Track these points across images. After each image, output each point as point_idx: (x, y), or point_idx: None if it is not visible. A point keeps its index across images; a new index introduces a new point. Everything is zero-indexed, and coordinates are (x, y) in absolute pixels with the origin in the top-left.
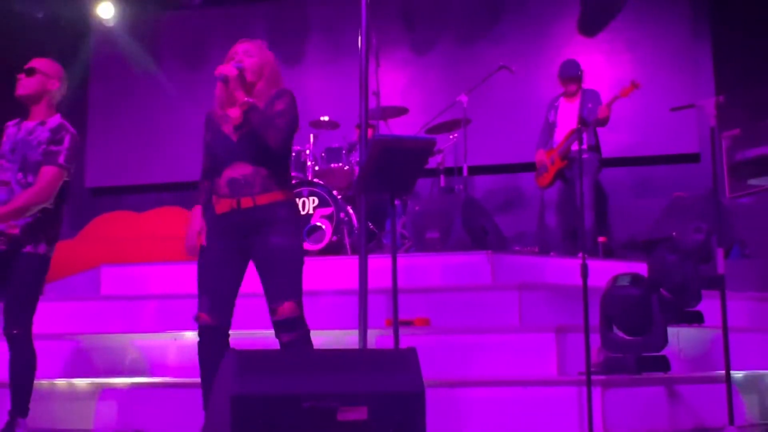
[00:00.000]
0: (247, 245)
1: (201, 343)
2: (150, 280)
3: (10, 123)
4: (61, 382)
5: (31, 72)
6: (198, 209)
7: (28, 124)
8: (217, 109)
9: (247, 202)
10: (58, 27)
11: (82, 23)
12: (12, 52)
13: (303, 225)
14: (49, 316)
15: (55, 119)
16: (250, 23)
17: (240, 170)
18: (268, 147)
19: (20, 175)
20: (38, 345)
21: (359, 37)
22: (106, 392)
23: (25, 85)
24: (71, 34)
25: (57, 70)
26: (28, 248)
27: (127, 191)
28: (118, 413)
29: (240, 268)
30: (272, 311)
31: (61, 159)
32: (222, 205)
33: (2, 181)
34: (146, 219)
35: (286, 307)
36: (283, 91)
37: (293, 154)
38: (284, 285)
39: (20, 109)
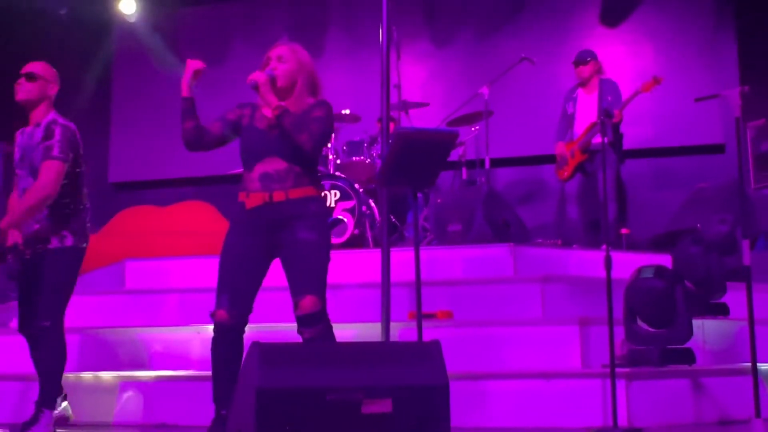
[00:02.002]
0: (275, 241)
1: (215, 340)
2: (173, 274)
3: (18, 132)
4: (85, 375)
5: (31, 77)
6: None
7: (28, 130)
8: (258, 103)
9: (279, 196)
10: (81, 23)
11: (105, 19)
12: (35, 49)
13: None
14: (73, 310)
15: (49, 117)
16: (270, 17)
17: (273, 165)
18: (300, 147)
19: (31, 180)
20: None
21: (380, 31)
22: (129, 385)
23: (26, 90)
24: (94, 31)
25: (54, 73)
26: (54, 243)
27: (150, 186)
28: (141, 406)
29: (264, 266)
30: (295, 305)
31: (55, 151)
32: (253, 200)
33: (23, 190)
34: (169, 213)
35: (308, 301)
36: (323, 102)
37: None
38: (307, 279)
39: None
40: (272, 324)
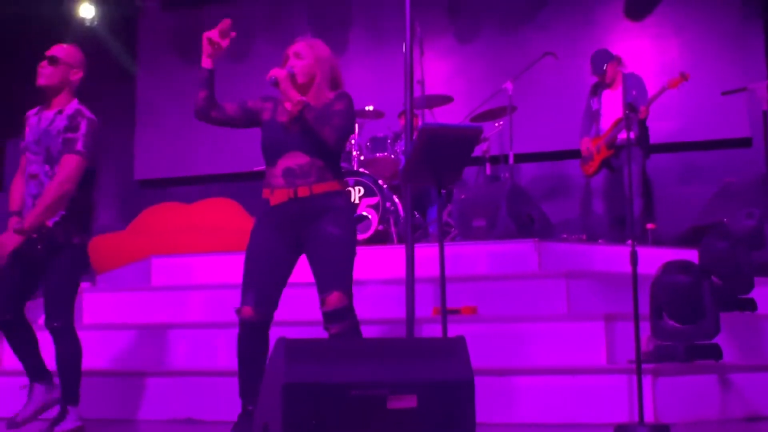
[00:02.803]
0: (301, 236)
1: (241, 337)
2: (199, 271)
3: (30, 113)
4: (112, 371)
5: (54, 61)
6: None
7: (48, 114)
8: (280, 98)
9: (303, 192)
10: (105, 22)
11: (129, 17)
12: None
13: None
14: (101, 307)
15: (72, 105)
16: (292, 14)
17: (295, 160)
18: (323, 141)
19: (47, 167)
20: (90, 335)
21: (403, 26)
22: (156, 381)
23: (47, 75)
24: (118, 29)
25: (80, 58)
26: (61, 241)
27: (175, 183)
28: (168, 402)
29: (290, 263)
30: (321, 301)
31: (79, 145)
32: (278, 196)
33: (31, 174)
34: (194, 210)
35: (334, 297)
36: (343, 94)
37: None
38: (333, 275)
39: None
40: (299, 320)
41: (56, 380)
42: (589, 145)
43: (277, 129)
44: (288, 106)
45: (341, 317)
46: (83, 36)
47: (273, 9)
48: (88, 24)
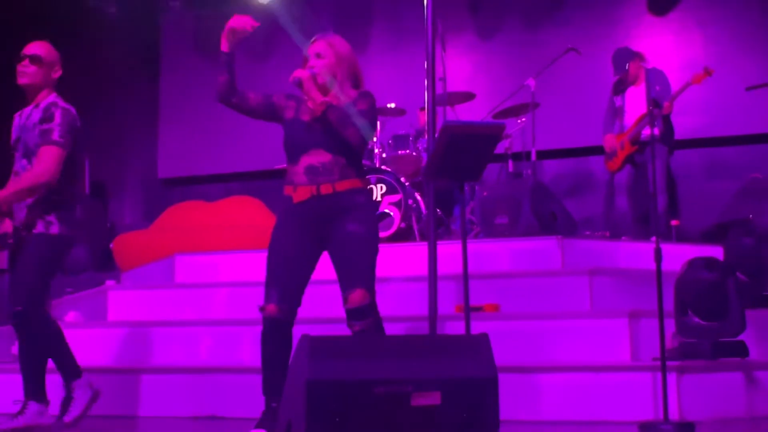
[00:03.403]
0: (324, 234)
1: (265, 334)
2: (222, 268)
3: (16, 114)
4: (136, 368)
5: (36, 60)
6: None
7: (27, 110)
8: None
9: (326, 189)
10: (129, 21)
11: (152, 17)
12: (83, 48)
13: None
14: (126, 304)
15: (49, 98)
16: (315, 12)
17: (318, 158)
18: (346, 141)
19: (24, 161)
20: (115, 332)
21: (425, 24)
22: (181, 378)
23: (31, 74)
24: (141, 28)
25: (58, 56)
26: (39, 228)
27: (198, 181)
28: (192, 398)
29: (313, 260)
30: (344, 299)
31: (55, 135)
32: (300, 193)
33: (14, 171)
34: (217, 208)
35: (357, 295)
36: (365, 93)
37: None
38: (356, 272)
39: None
40: (322, 317)
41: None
42: (613, 142)
43: (300, 127)
44: (311, 105)
45: (364, 314)
46: (107, 35)
47: (296, 6)
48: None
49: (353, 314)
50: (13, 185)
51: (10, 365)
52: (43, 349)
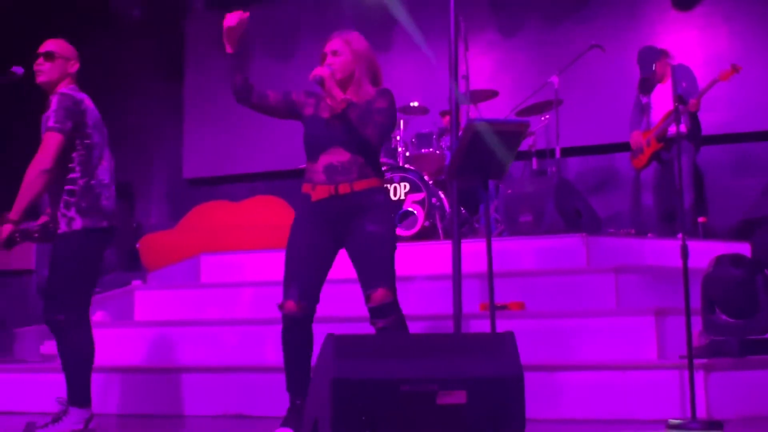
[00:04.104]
0: (342, 232)
1: (285, 332)
2: (247, 268)
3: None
4: (163, 368)
5: (50, 56)
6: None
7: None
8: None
9: (345, 188)
10: (152, 24)
11: (176, 18)
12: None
13: (395, 211)
14: (152, 304)
15: (58, 89)
16: (338, 12)
17: (337, 156)
18: (366, 140)
19: None
20: (141, 332)
21: (449, 21)
22: (207, 377)
23: (46, 71)
24: (165, 30)
25: (74, 51)
26: (62, 227)
27: (223, 181)
28: (219, 397)
29: (330, 258)
30: (366, 298)
31: (51, 122)
32: (319, 192)
33: None
34: (242, 208)
35: (380, 293)
36: (384, 91)
37: None
38: (377, 271)
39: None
40: (345, 316)
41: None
42: (639, 139)
43: (320, 125)
44: (330, 102)
45: (387, 312)
46: (131, 37)
47: (318, 8)
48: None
49: (376, 312)
50: (21, 188)
51: (39, 365)
52: (77, 356)
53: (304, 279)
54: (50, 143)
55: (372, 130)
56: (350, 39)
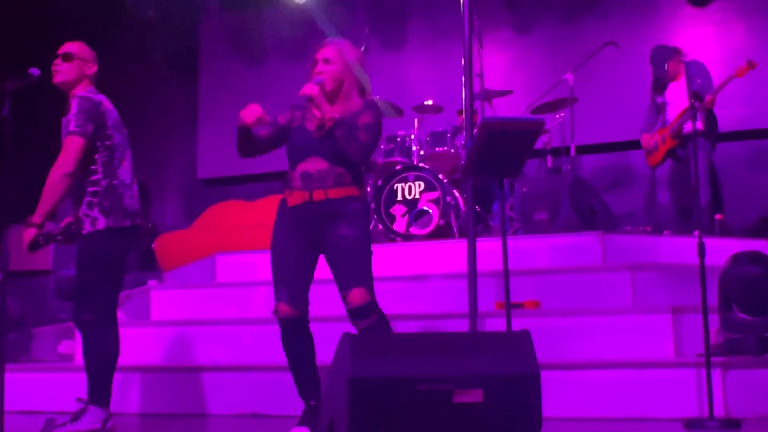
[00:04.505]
0: (317, 238)
1: (284, 335)
2: (263, 267)
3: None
4: (178, 367)
5: (68, 57)
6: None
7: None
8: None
9: (319, 195)
10: (168, 24)
11: (191, 19)
12: (123, 51)
13: (369, 220)
14: (168, 304)
15: (76, 92)
16: (351, 12)
17: (315, 165)
18: (348, 157)
19: None
20: (157, 331)
21: (463, 19)
22: (222, 376)
23: (63, 71)
24: (180, 31)
25: (92, 53)
26: (86, 228)
27: (237, 181)
28: (234, 396)
29: (311, 260)
30: (344, 300)
31: (72, 125)
32: (294, 198)
33: None
34: (257, 207)
35: (355, 294)
36: (370, 104)
37: (398, 139)
38: (351, 272)
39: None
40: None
41: None
42: (649, 140)
43: (303, 134)
44: (316, 112)
45: (367, 313)
46: (146, 38)
47: (332, 6)
48: (150, 25)
49: (356, 314)
50: (43, 192)
51: (57, 365)
52: (100, 356)
53: (291, 281)
54: (72, 147)
55: (356, 148)
56: (343, 48)
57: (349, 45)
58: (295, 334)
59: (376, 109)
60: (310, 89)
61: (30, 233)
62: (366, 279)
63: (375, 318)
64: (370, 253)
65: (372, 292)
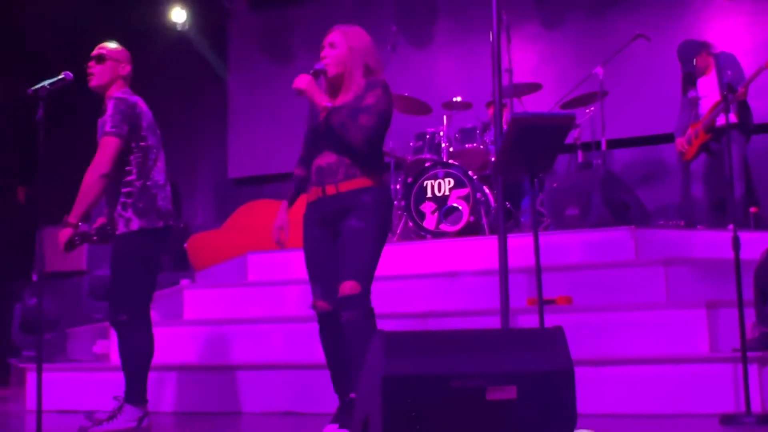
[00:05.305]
0: (335, 231)
1: (322, 329)
2: (294, 266)
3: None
4: (212, 366)
5: (101, 59)
6: (284, 205)
7: None
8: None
9: (331, 190)
10: (197, 27)
11: (219, 22)
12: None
13: (387, 211)
14: (201, 303)
15: (111, 93)
16: (379, 9)
17: (326, 159)
18: (348, 143)
19: None
20: (191, 330)
21: (491, 15)
22: (256, 374)
23: (97, 74)
24: (209, 33)
25: (126, 54)
26: (120, 228)
27: (267, 180)
28: (268, 395)
29: (337, 255)
30: (338, 291)
31: (108, 126)
32: (311, 194)
33: None
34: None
35: (347, 286)
36: (375, 82)
37: (427, 136)
38: (350, 265)
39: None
40: (395, 312)
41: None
42: (684, 141)
43: (312, 131)
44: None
45: (352, 305)
46: (175, 40)
47: (359, 6)
48: (179, 28)
49: (341, 303)
50: (79, 192)
51: (92, 364)
52: (135, 355)
53: (324, 278)
54: (108, 148)
55: (355, 133)
56: (350, 32)
57: (358, 29)
58: (333, 328)
59: (378, 87)
60: (299, 82)
61: (66, 233)
62: (362, 272)
63: (359, 313)
64: (375, 246)
65: (364, 286)
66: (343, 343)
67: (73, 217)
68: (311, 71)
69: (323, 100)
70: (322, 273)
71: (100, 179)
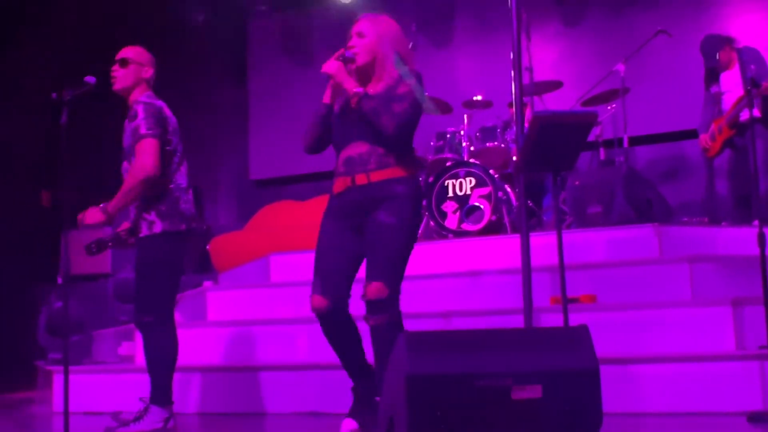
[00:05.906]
0: (361, 224)
1: (323, 326)
2: None
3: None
4: (235, 367)
5: (124, 63)
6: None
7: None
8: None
9: (361, 180)
10: (217, 29)
11: (239, 23)
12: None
13: (419, 204)
14: (224, 304)
15: (135, 97)
16: (398, 9)
17: (356, 149)
18: (380, 130)
19: (125, 164)
20: (214, 331)
21: (511, 13)
22: (279, 375)
23: (120, 77)
24: (229, 34)
25: (149, 57)
26: (143, 231)
27: (289, 182)
28: (291, 395)
29: (355, 250)
30: (363, 291)
31: (143, 129)
32: (338, 184)
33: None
34: (308, 207)
35: (373, 288)
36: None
37: (448, 135)
38: (378, 265)
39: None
40: (419, 312)
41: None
42: (707, 138)
43: (340, 120)
44: (345, 95)
45: (379, 309)
46: (196, 41)
47: (378, 6)
48: (200, 29)
49: (368, 307)
50: (122, 188)
51: (117, 366)
52: (160, 356)
53: (328, 273)
54: (150, 149)
55: (387, 120)
56: (378, 20)
57: (387, 18)
58: (332, 326)
59: (415, 77)
60: (328, 67)
61: (96, 216)
62: (390, 273)
63: (387, 316)
64: (406, 244)
65: (393, 289)
66: (348, 340)
67: (112, 207)
68: (340, 57)
69: (354, 86)
70: (327, 267)
71: (146, 181)
